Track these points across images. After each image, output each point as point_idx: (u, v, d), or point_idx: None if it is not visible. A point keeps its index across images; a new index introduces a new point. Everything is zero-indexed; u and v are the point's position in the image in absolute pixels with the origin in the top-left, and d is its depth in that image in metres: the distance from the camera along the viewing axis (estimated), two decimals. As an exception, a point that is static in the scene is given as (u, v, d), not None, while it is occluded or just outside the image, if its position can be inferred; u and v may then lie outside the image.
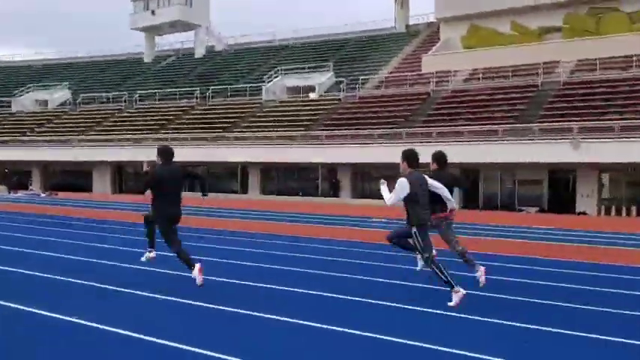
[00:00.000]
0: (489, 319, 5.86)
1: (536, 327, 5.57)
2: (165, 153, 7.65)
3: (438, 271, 6.37)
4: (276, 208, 23.17)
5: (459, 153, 24.54)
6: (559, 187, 26.05)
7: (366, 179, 30.07)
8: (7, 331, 5.34)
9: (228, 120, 35.68)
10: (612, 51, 29.74)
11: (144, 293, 6.89)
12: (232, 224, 16.69)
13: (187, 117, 38.44)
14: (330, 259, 10.08)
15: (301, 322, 5.65)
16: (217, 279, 7.76)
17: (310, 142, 29.88)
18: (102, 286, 7.28)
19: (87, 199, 29.53)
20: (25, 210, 21.01)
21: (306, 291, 7.17)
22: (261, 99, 38.07)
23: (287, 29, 51.91)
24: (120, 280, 7.70)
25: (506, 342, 5.20)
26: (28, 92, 48.31)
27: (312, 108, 34.37)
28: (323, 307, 6.44)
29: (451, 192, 7.19)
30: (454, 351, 4.79)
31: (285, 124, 32.61)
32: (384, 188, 6.59)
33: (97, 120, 41.28)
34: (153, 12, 51.06)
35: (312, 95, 36.54)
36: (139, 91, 43.21)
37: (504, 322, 5.77)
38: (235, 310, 6.06)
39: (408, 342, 5.04)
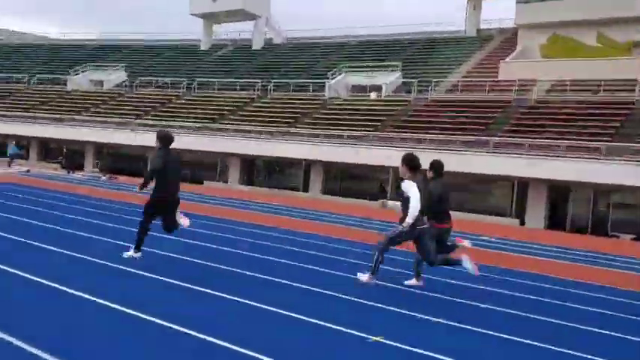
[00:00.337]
0: None
1: None
2: (166, 139, 7.91)
3: (376, 259, 7.02)
4: (340, 210, 21.86)
5: (549, 169, 22.88)
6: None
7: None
8: None
9: (290, 115, 34.41)
10: None
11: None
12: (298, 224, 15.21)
13: (248, 109, 37.30)
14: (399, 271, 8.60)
15: None
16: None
17: (380, 143, 28.39)
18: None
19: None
20: (101, 195, 19.99)
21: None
22: (324, 95, 36.75)
23: (345, 27, 50.38)
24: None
25: None
26: (84, 72, 47.85)
27: (380, 108, 32.86)
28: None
29: (447, 201, 7.57)
30: None
31: (351, 122, 31.19)
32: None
33: (154, 104, 40.45)
34: (214, -1, 50.10)
35: (373, 95, 35.02)
36: (197, 79, 42.25)
37: None
38: None
39: None
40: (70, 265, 7.65)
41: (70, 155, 32.24)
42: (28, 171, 26.98)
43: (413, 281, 7.79)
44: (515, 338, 5.76)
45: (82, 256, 8.13)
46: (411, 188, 6.73)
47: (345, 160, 28.60)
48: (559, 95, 30.10)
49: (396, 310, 6.43)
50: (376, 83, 36.09)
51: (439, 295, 7.56)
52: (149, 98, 41.65)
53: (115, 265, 7.62)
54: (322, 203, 25.42)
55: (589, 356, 5.36)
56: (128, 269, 7.49)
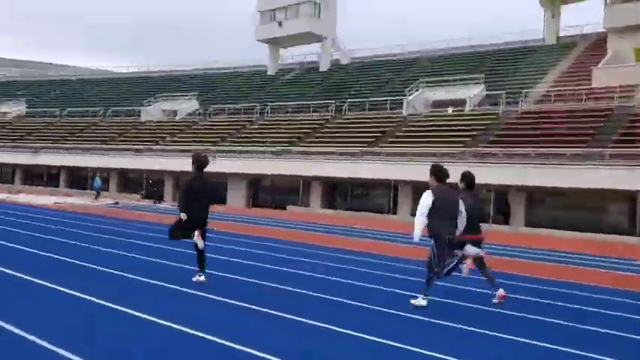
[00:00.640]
0: None
1: None
2: (199, 162, 8.13)
3: (429, 281, 6.75)
4: None
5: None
6: None
7: (542, 205, 26.56)
8: None
9: (369, 134, 33.30)
10: None
11: None
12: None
13: (324, 130, 36.49)
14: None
15: None
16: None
17: (475, 160, 26.81)
18: None
19: (238, 212, 27.92)
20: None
21: None
22: (401, 112, 35.53)
23: (413, 42, 49.12)
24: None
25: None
26: (156, 102, 48.49)
27: (467, 123, 31.29)
28: None
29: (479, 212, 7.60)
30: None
31: (436, 139, 29.74)
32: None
33: (229, 131, 40.26)
34: (280, 23, 50.02)
35: (450, 110, 33.53)
36: (269, 104, 41.89)
37: None
38: None
39: None
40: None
41: (153, 186, 32.07)
42: (116, 203, 26.87)
43: (498, 294, 7.58)
44: None
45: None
46: (422, 197, 6.76)
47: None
48: (665, 99, 27.80)
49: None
50: (458, 97, 34.62)
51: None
52: (223, 125, 41.54)
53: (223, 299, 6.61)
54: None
55: None
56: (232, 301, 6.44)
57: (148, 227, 16.70)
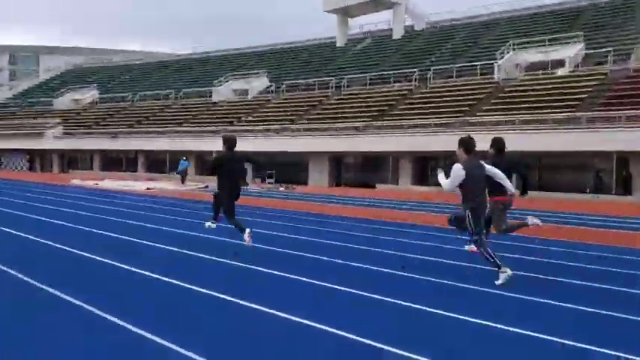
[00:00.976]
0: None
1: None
2: (229, 141, 8.95)
3: (486, 254, 6.77)
4: (544, 207, 18.20)
5: None
6: None
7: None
8: None
9: (462, 102, 30.95)
10: None
11: None
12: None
13: (408, 101, 34.37)
14: None
15: None
16: None
17: (590, 125, 24.19)
18: None
19: (322, 192, 26.46)
20: (308, 209, 17.87)
21: None
22: (493, 77, 32.92)
23: (491, 3, 45.73)
24: None
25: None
26: (226, 82, 47.49)
27: (571, 86, 28.44)
28: None
29: (510, 177, 7.59)
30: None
31: (539, 105, 27.14)
32: (441, 176, 7.16)
33: (305, 107, 38.73)
34: (349, -9, 47.70)
35: (561, 71, 30.59)
36: (345, 77, 39.99)
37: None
38: None
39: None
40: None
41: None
42: (206, 186, 25.89)
43: (530, 220, 7.92)
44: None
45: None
46: (454, 169, 6.82)
47: (551, 149, 24.61)
48: None
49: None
50: (555, 58, 31.69)
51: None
52: (298, 102, 40.03)
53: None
54: (517, 201, 21.69)
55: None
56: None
57: (280, 213, 15.36)
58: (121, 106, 51.02)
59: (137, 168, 43.65)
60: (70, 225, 12.03)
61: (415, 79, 36.00)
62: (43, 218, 13.17)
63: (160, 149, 40.46)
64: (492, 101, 29.91)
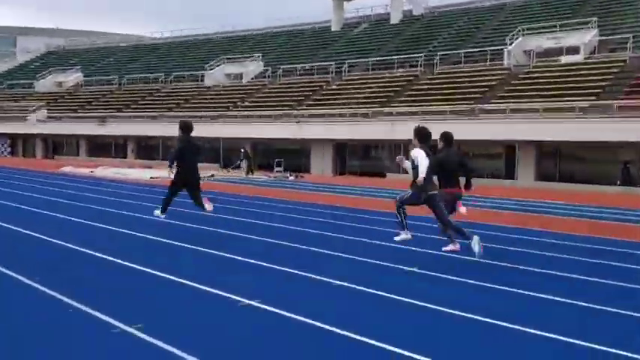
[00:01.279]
0: None
1: None
2: (185, 127, 9.46)
3: (400, 214, 7.73)
4: (558, 198, 17.40)
5: None
6: None
7: None
8: None
9: (471, 89, 29.84)
10: None
11: None
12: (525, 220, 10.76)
13: (414, 87, 33.19)
14: None
15: None
16: None
17: (612, 114, 23.30)
18: None
19: (326, 182, 25.21)
20: (325, 201, 16.62)
21: None
22: (502, 64, 31.90)
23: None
24: None
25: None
26: (218, 65, 45.72)
27: (585, 74, 27.49)
28: None
29: (454, 172, 8.27)
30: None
31: (557, 92, 26.16)
32: (407, 164, 7.70)
33: (305, 93, 37.28)
34: (346, -27, 46.22)
35: (576, 58, 29.66)
36: (346, 61, 38.59)
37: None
38: None
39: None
40: None
41: (246, 155, 29.29)
42: (212, 176, 24.45)
43: (450, 247, 8.19)
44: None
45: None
46: (418, 154, 7.37)
47: (574, 139, 23.62)
48: None
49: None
50: (569, 44, 30.74)
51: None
52: (296, 87, 38.58)
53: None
54: (536, 192, 20.90)
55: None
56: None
57: (304, 207, 14.09)
58: (107, 89, 48.92)
59: (127, 154, 41.85)
60: (99, 225, 10.63)
61: (420, 65, 34.80)
62: (61, 215, 11.73)
63: (153, 135, 38.69)
64: (506, 88, 28.86)
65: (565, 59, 29.91)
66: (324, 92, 36.75)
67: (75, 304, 5.21)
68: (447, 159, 8.19)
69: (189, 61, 49.96)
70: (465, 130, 26.38)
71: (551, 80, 27.73)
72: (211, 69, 45.17)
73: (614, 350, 4.31)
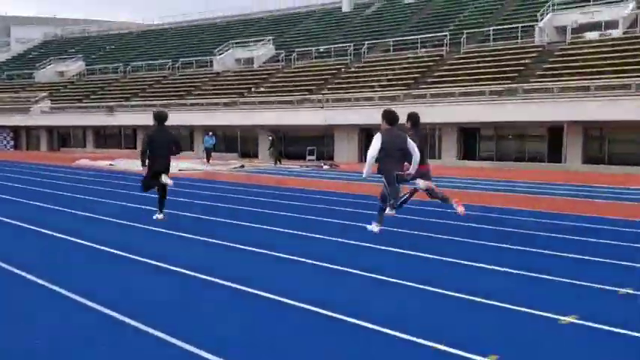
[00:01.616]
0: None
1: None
2: (158, 117, 9.11)
3: (389, 201, 7.78)
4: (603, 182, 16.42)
5: None
6: None
7: None
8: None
9: (505, 69, 28.36)
10: None
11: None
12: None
13: (441, 69, 31.69)
14: None
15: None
16: None
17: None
18: None
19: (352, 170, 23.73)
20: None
21: None
22: (533, 41, 30.42)
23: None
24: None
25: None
26: (227, 50, 44.02)
27: (627, 49, 26.06)
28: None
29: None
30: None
31: (597, 70, 24.78)
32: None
33: (322, 77, 35.70)
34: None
35: (615, 33, 28.22)
36: (365, 42, 36.96)
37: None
38: None
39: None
40: None
41: (272, 143, 27.62)
42: (242, 166, 22.96)
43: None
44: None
45: None
46: (374, 140, 7.66)
47: (619, 117, 22.29)
48: None
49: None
50: (603, 20, 29.30)
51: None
52: (312, 71, 36.98)
53: None
54: (582, 176, 19.64)
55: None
56: None
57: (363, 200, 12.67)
58: (112, 77, 47.15)
59: (137, 145, 40.21)
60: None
61: (446, 44, 33.26)
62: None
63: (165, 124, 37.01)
64: (544, 67, 27.40)
65: (602, 35, 28.47)
66: (343, 75, 35.19)
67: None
68: (421, 138, 8.50)
69: (195, 46, 48.20)
70: (504, 111, 25.07)
71: (590, 57, 26.32)
72: (220, 54, 43.47)
73: None
